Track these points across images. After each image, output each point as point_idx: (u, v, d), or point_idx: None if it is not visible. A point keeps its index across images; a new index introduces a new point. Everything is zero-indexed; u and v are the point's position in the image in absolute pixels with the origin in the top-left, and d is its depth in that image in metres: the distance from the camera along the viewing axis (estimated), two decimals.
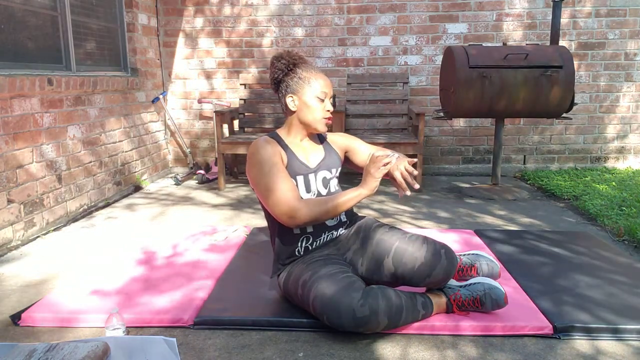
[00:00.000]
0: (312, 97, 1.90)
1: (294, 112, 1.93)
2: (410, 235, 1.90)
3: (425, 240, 1.87)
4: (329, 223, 1.96)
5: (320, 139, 2.07)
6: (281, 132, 2.00)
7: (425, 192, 4.08)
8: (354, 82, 4.65)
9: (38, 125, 3.00)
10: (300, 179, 1.91)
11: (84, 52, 3.67)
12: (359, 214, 2.13)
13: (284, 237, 1.95)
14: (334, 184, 2.01)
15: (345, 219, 2.01)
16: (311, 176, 1.94)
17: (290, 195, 1.80)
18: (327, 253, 1.95)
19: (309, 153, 1.99)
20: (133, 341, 1.32)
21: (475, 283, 1.90)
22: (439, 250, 1.83)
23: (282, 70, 1.92)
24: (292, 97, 1.92)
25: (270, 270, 2.34)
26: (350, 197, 1.82)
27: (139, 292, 2.12)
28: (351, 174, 4.85)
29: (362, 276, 1.91)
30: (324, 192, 1.96)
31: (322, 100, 1.92)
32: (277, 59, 1.93)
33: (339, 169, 2.05)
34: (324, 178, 1.98)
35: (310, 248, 1.95)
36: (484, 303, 1.85)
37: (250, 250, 2.63)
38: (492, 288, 1.86)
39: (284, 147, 1.93)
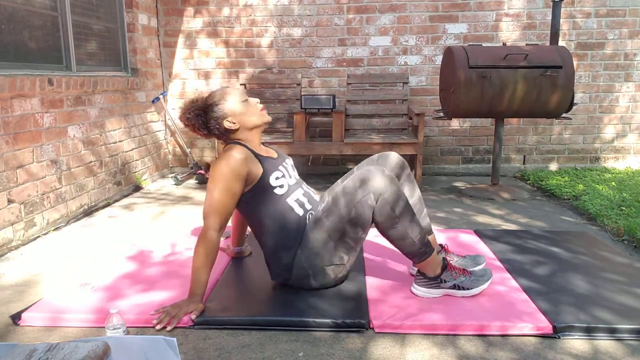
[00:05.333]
0: (238, 104, 2.00)
1: (238, 127, 2.01)
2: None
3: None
4: (308, 207, 2.03)
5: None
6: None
7: (424, 192, 4.08)
8: (353, 82, 4.65)
9: (38, 125, 3.00)
10: (278, 173, 2.01)
11: (85, 52, 3.67)
12: None
13: (288, 220, 1.99)
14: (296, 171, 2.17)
15: (310, 207, 2.05)
16: (281, 165, 2.05)
17: (219, 222, 1.92)
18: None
19: (269, 152, 2.10)
20: (133, 341, 1.33)
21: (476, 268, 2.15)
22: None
23: (199, 115, 1.99)
24: (226, 120, 1.99)
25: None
26: (191, 286, 1.93)
27: (139, 291, 2.12)
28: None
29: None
30: (297, 175, 2.11)
31: (247, 100, 2.02)
32: (185, 113, 2.00)
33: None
34: (291, 165, 2.14)
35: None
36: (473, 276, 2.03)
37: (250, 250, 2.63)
38: (483, 276, 2.05)
39: (254, 154, 2.00)
